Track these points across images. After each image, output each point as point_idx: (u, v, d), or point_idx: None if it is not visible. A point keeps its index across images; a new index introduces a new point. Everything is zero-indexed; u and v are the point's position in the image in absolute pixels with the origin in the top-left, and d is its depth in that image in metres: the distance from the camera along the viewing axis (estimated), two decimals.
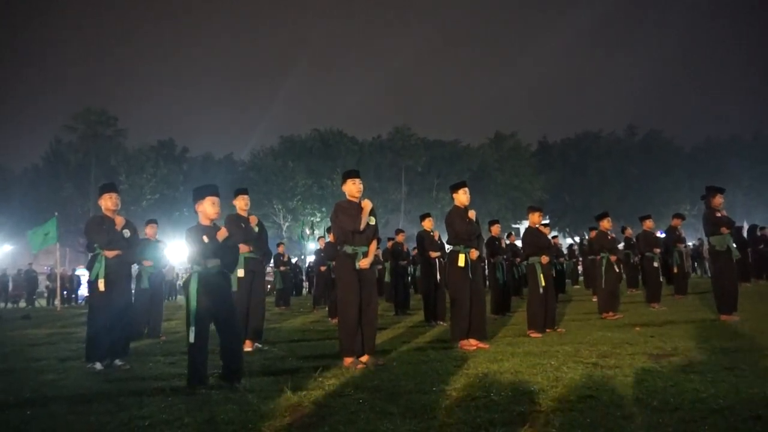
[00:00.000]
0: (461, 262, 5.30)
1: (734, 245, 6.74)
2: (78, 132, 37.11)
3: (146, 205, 35.15)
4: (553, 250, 7.16)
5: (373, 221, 4.69)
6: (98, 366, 4.72)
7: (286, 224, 37.83)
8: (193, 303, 3.74)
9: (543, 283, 6.26)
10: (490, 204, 39.90)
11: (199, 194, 3.97)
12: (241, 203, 5.81)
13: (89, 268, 5.05)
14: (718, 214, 6.74)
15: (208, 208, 3.92)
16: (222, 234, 3.90)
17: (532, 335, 5.89)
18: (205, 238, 3.82)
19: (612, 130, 46.90)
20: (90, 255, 5.12)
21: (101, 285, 4.86)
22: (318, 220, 36.29)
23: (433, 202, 39.67)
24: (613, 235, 8.40)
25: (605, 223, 8.13)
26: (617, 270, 8.04)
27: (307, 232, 22.72)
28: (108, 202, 5.08)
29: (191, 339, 3.71)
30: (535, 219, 6.68)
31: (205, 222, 3.96)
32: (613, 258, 7.92)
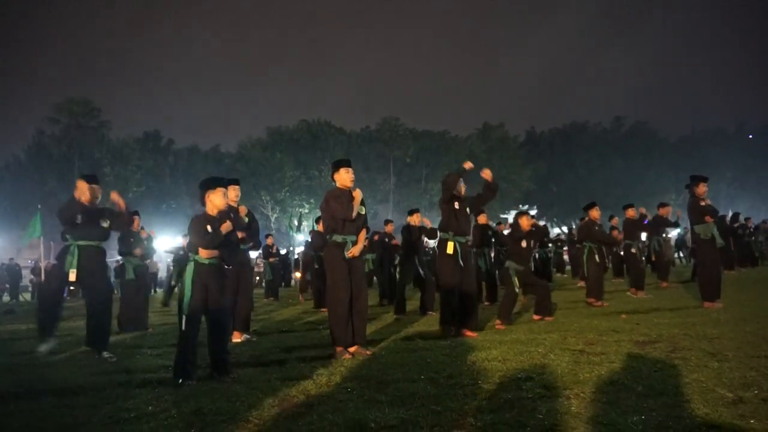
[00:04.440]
0: (450, 250, 5.32)
1: (718, 233, 6.82)
2: (61, 124, 36.47)
3: (132, 197, 34.71)
4: (530, 254, 7.02)
5: (363, 211, 4.68)
6: (46, 346, 4.80)
7: (275, 216, 37.66)
8: (188, 292, 3.70)
9: (518, 286, 6.36)
10: None
11: (210, 184, 3.97)
12: (232, 194, 5.76)
13: (60, 258, 4.95)
14: (703, 203, 6.81)
15: (217, 199, 3.92)
16: (226, 227, 3.87)
17: (498, 327, 5.90)
18: (209, 228, 3.80)
19: (599, 121, 47.30)
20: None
21: (72, 276, 4.80)
22: (306, 211, 36.17)
23: (421, 192, 39.74)
24: (600, 225, 8.46)
25: (594, 213, 8.19)
26: (598, 259, 8.04)
27: (296, 223, 22.59)
28: (87, 194, 4.95)
29: (182, 327, 3.68)
30: (524, 224, 6.65)
31: (212, 212, 3.93)
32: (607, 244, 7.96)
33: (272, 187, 37.21)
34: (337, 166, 4.73)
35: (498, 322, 6.04)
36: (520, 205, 44.93)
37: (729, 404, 2.54)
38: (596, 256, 7.93)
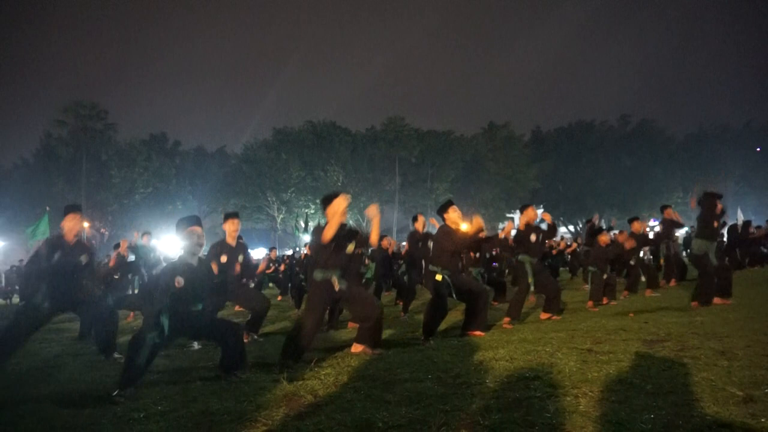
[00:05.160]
0: (438, 278, 5.16)
1: (714, 255, 6.72)
2: (68, 126, 36.74)
3: (139, 199, 34.98)
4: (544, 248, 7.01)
5: (351, 249, 4.45)
6: None
7: (281, 216, 37.79)
8: (165, 327, 3.50)
9: (532, 279, 6.27)
10: (484, 194, 39.99)
11: (182, 225, 3.79)
12: (231, 228, 5.60)
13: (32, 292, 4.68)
14: (716, 224, 6.73)
15: (191, 237, 3.74)
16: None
17: (506, 324, 5.94)
18: (179, 281, 3.56)
19: (605, 119, 47.14)
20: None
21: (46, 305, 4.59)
22: (312, 211, 36.26)
23: (427, 192, 39.71)
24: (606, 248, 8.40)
25: (603, 238, 8.23)
26: (605, 276, 7.94)
27: (302, 224, 22.67)
28: (70, 223, 4.79)
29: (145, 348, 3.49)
30: (531, 215, 6.63)
31: (188, 259, 3.73)
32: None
33: (278, 188, 37.31)
34: (330, 199, 4.42)
35: (507, 320, 6.03)
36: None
37: (739, 403, 2.52)
38: (601, 280, 7.81)
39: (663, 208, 10.00)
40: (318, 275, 4.27)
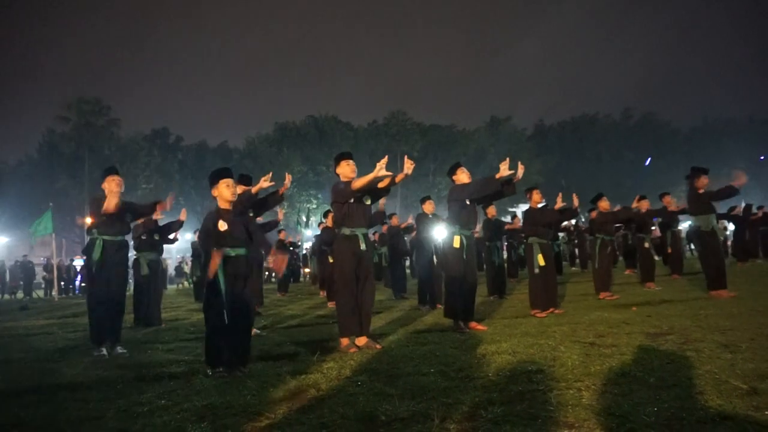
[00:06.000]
0: (456, 244, 5.31)
1: (717, 225, 6.78)
2: (71, 122, 36.81)
3: (141, 194, 35.02)
4: (552, 232, 7.15)
5: (368, 201, 4.69)
6: (103, 351, 4.75)
7: (283, 211, 37.83)
8: (222, 285, 3.67)
9: (542, 263, 6.27)
10: None
11: (213, 178, 3.94)
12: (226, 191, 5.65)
13: (87, 252, 5.01)
14: (701, 191, 6.78)
15: (224, 191, 3.85)
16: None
17: (537, 315, 5.95)
18: (221, 222, 3.73)
19: (608, 113, 46.92)
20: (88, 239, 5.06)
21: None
22: (314, 206, 36.30)
23: (429, 187, 39.68)
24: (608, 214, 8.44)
25: (603, 204, 8.22)
26: (609, 251, 8.05)
27: (304, 219, 22.68)
28: (111, 184, 4.99)
29: (217, 322, 3.67)
30: (536, 198, 6.74)
31: (224, 206, 3.88)
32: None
33: (280, 183, 37.29)
34: (338, 160, 4.78)
35: (536, 311, 6.07)
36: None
37: (743, 395, 2.51)
38: (608, 248, 7.91)
39: (662, 195, 9.96)
40: (346, 231, 4.52)
